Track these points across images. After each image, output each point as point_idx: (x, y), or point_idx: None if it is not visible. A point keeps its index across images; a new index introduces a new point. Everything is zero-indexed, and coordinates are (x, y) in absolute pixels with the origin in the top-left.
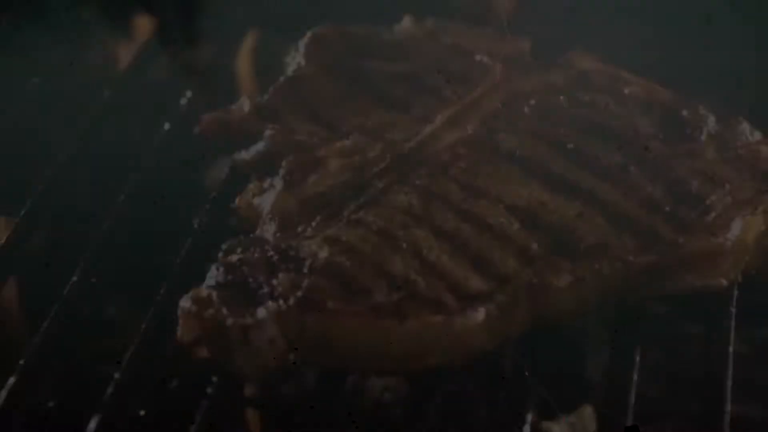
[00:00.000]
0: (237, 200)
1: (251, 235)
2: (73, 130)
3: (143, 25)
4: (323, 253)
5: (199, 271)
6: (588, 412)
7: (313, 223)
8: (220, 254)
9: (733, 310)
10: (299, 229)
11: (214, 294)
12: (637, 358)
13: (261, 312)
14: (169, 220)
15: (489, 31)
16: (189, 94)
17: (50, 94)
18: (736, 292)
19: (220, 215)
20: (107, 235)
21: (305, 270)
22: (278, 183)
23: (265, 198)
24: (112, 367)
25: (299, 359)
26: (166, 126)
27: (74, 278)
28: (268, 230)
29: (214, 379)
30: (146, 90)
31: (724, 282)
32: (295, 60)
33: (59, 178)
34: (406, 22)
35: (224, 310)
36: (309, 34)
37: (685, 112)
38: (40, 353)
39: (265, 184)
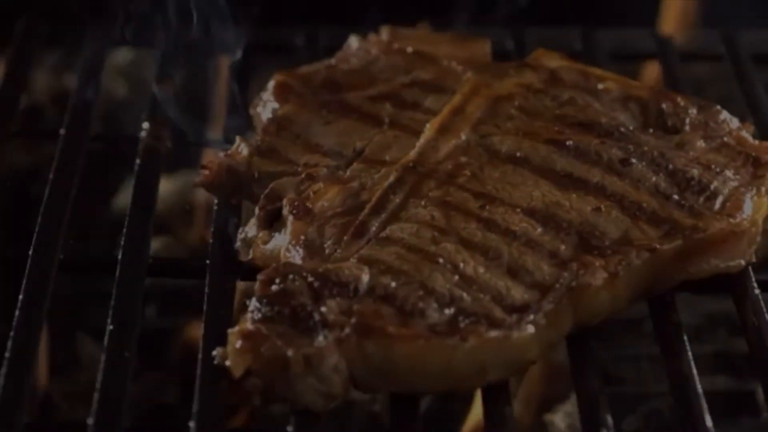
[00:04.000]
0: (251, 253)
1: (283, 264)
2: None
3: None
4: (365, 276)
5: None
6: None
7: (342, 243)
8: (257, 286)
9: (757, 291)
10: (327, 251)
11: (264, 328)
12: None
13: (320, 340)
14: None
15: (446, 35)
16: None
17: None
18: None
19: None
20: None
21: (351, 294)
22: (288, 219)
23: (277, 239)
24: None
25: (361, 385)
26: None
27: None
28: (296, 257)
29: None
30: None
31: (743, 262)
32: (267, 107)
33: None
34: (353, 42)
35: (280, 343)
36: (271, 83)
37: (664, 105)
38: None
39: (272, 231)
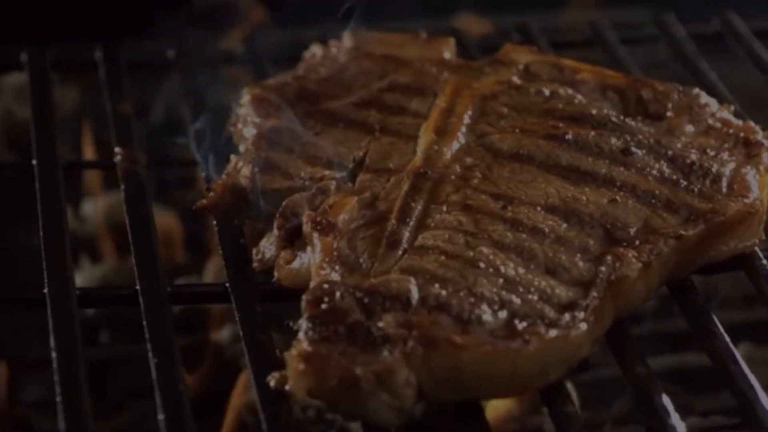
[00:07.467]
0: (276, 274)
1: (327, 281)
2: None
3: None
4: (413, 287)
5: None
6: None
7: (378, 256)
8: (304, 306)
9: None
10: (364, 266)
11: (323, 348)
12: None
13: (385, 356)
14: None
15: (409, 36)
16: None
17: None
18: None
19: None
20: None
21: (404, 307)
22: (312, 237)
23: (303, 257)
24: None
25: (429, 397)
26: None
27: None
28: (333, 274)
29: None
30: None
31: (757, 241)
32: (249, 122)
33: None
34: (317, 50)
35: (345, 362)
36: (246, 97)
37: (643, 92)
38: None
39: (294, 249)
